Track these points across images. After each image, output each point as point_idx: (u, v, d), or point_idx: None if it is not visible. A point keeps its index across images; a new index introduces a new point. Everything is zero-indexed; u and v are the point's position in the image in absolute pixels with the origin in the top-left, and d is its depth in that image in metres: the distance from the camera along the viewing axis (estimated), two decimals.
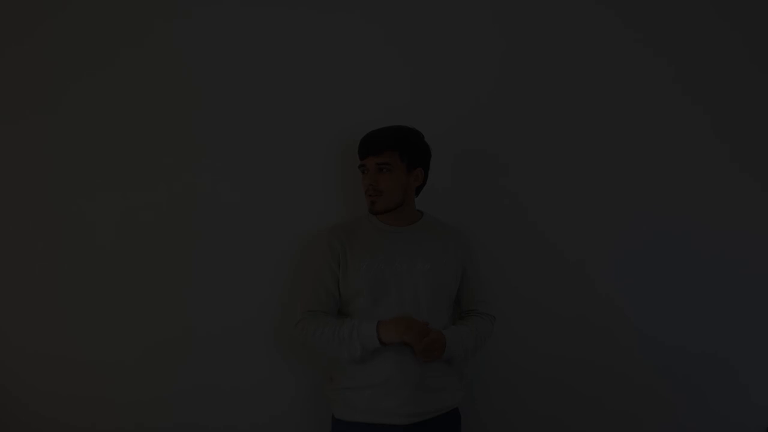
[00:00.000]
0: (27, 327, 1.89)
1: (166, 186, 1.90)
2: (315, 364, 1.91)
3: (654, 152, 2.01)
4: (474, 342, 1.73)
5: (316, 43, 1.93)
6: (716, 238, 2.02)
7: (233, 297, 1.92)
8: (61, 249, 1.88)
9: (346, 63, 1.94)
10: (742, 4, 2.01)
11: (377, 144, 1.68)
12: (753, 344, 2.04)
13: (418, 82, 1.97)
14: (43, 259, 1.88)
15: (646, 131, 2.01)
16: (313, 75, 1.93)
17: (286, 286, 1.90)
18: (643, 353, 2.02)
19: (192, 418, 1.93)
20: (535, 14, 1.98)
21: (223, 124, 1.91)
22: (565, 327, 2.01)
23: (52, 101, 1.88)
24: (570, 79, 2.00)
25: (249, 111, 1.92)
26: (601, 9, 1.99)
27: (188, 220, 1.91)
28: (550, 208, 2.00)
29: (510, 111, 1.99)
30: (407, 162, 1.70)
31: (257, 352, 1.93)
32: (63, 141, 1.88)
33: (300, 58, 1.93)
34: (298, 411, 1.95)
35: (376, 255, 1.69)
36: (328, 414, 1.74)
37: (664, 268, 2.02)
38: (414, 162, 1.72)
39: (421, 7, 1.96)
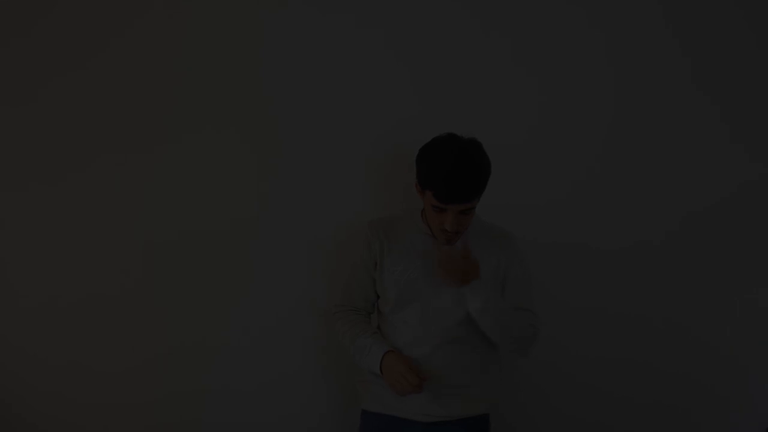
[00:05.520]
0: (28, 330, 1.87)
1: (189, 185, 1.90)
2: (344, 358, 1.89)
3: (654, 152, 2.00)
4: (515, 332, 1.59)
5: (330, 41, 1.90)
6: (716, 237, 2.03)
7: (266, 297, 1.92)
8: (93, 248, 1.87)
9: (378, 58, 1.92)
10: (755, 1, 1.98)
11: (469, 194, 1.51)
12: (753, 344, 2.06)
13: (419, 81, 1.93)
14: (57, 261, 1.86)
15: (646, 131, 1.99)
16: (316, 74, 1.91)
17: (319, 286, 1.91)
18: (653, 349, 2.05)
19: (219, 418, 1.94)
20: (535, 14, 1.95)
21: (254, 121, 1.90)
22: (582, 326, 2.02)
23: (51, 101, 1.84)
24: (570, 79, 1.97)
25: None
26: (609, 9, 1.96)
27: (218, 219, 1.90)
28: (550, 208, 1.99)
29: (510, 111, 1.96)
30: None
31: (292, 350, 1.95)
32: (62, 141, 1.84)
33: (310, 55, 1.91)
34: (327, 404, 1.98)
35: (413, 260, 1.62)
36: (358, 406, 1.74)
37: (664, 268, 2.03)
38: None
39: (423, 7, 1.92)
